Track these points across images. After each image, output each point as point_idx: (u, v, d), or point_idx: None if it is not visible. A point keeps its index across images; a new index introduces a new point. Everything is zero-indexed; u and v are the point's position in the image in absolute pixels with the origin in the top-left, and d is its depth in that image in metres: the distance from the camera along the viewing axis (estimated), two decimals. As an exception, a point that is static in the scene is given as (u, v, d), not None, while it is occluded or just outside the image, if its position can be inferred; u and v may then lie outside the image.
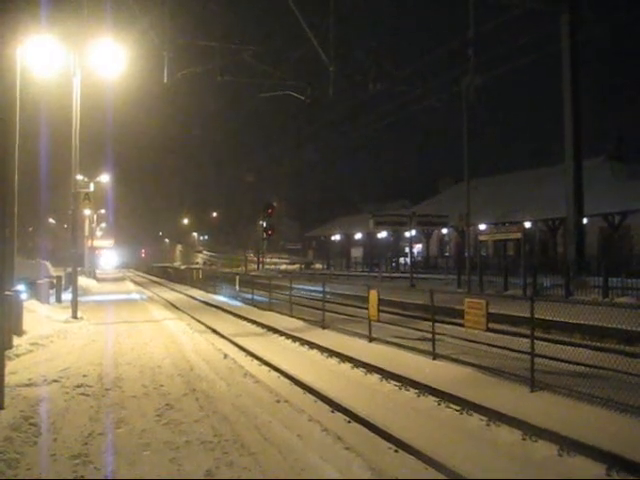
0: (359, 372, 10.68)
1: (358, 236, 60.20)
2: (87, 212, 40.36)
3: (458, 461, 6.11)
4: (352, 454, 5.86)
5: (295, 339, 14.52)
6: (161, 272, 63.69)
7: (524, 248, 23.16)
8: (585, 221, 24.36)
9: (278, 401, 8.05)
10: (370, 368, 10.50)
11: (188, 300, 30.14)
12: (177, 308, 25.24)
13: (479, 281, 22.88)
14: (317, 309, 17.61)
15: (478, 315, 9.73)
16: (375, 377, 10.11)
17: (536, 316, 8.87)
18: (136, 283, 50.76)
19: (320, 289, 18.04)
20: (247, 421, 6.85)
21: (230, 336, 15.56)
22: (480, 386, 8.64)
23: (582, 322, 12.44)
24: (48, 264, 28.54)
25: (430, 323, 11.48)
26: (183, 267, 66.85)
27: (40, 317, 15.64)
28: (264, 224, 57.53)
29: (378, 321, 13.43)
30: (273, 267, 68.59)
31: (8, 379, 7.83)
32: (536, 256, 35.87)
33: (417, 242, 49.80)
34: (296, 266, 68.81)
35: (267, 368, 11.48)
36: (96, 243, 57.48)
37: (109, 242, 65.12)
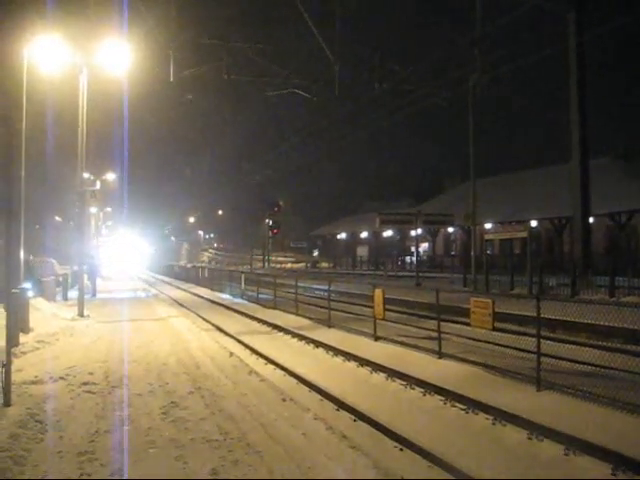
0: (364, 371, 10.66)
1: (364, 235, 60.17)
2: (93, 210, 40.46)
3: (464, 460, 6.09)
4: (357, 453, 5.86)
5: (300, 337, 14.50)
6: (167, 270, 63.81)
7: (530, 247, 23.09)
8: (591, 220, 24.23)
9: (283, 399, 8.06)
10: (375, 367, 10.48)
11: (193, 298, 30.18)
12: (182, 306, 25.28)
13: (485, 280, 22.82)
14: (322, 307, 17.58)
15: (484, 314, 9.70)
16: (381, 376, 10.09)
17: (542, 315, 8.84)
18: (142, 281, 50.88)
19: (325, 287, 18.01)
20: (252, 419, 6.86)
21: (235, 334, 15.56)
22: (486, 385, 8.61)
23: (588, 321, 12.39)
24: (54, 262, 28.61)
25: (436, 322, 11.45)
26: (189, 265, 66.91)
27: (46, 315, 15.70)
28: (270, 222, 57.54)
29: (384, 320, 13.41)
30: (279, 266, 68.60)
31: (15, 376, 7.87)
32: (542, 255, 35.76)
33: (423, 241, 49.73)
34: (302, 264, 68.81)
35: (272, 366, 11.47)
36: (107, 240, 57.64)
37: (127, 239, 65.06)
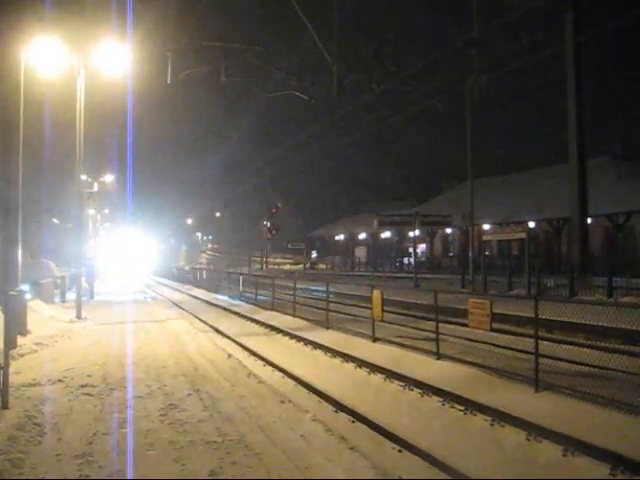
0: (363, 372, 10.66)
1: (362, 236, 60.21)
2: (91, 212, 40.46)
3: (462, 461, 6.09)
4: (356, 454, 5.86)
5: (299, 339, 14.50)
6: (166, 272, 63.77)
7: (528, 248, 23.10)
8: (589, 221, 24.26)
9: (282, 401, 8.05)
10: (374, 368, 10.49)
11: (192, 300, 30.16)
12: (181, 308, 25.26)
13: (483, 281, 22.84)
14: (321, 309, 17.58)
15: (482, 315, 9.71)
16: (379, 377, 10.09)
17: (540, 316, 8.84)
18: (140, 283, 50.81)
19: (323, 289, 18.01)
20: (251, 421, 6.86)
21: (234, 336, 15.56)
22: (484, 386, 8.61)
23: (586, 322, 12.40)
24: (52, 264, 28.53)
25: (434, 323, 11.46)
26: (187, 267, 66.81)
27: (44, 317, 15.66)
28: (268, 224, 57.54)
29: (382, 321, 13.41)
30: (277, 267, 68.49)
31: (12, 379, 7.85)
32: (540, 256, 35.80)
33: (421, 242, 49.73)
34: (300, 266, 68.72)
35: (271, 368, 11.48)
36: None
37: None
